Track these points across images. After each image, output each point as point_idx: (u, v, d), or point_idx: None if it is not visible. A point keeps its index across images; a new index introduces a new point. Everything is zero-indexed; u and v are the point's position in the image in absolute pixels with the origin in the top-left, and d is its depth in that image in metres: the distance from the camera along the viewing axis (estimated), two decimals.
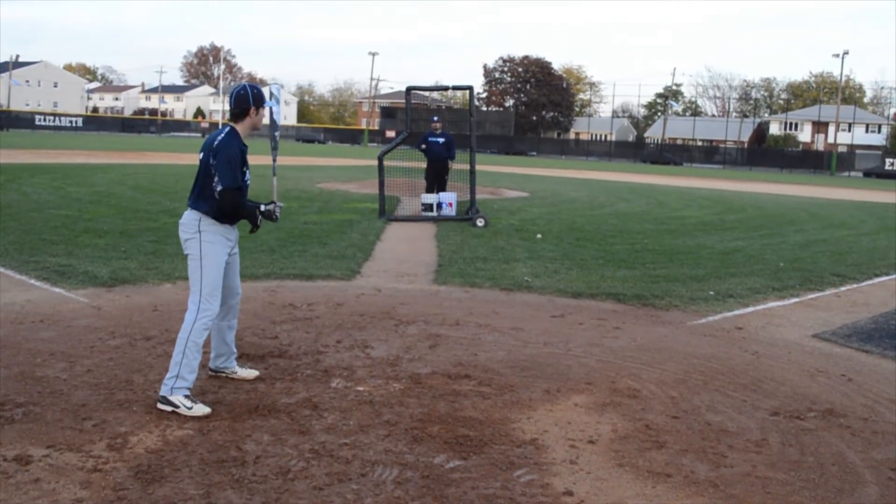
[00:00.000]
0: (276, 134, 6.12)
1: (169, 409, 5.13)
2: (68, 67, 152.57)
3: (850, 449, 5.07)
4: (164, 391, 5.21)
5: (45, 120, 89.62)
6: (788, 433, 5.29)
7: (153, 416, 5.08)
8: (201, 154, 5.44)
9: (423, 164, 18.57)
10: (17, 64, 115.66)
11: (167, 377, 5.24)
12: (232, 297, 5.77)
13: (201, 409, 5.14)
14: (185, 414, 5.08)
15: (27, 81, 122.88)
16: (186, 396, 5.18)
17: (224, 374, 5.92)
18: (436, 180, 18.15)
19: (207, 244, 5.40)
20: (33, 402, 5.20)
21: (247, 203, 5.54)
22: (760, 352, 7.41)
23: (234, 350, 5.97)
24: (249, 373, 5.98)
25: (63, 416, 5.00)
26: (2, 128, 78.44)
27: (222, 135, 5.41)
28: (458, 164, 18.18)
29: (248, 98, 5.42)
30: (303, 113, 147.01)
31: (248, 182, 5.58)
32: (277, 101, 5.87)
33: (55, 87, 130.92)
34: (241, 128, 5.49)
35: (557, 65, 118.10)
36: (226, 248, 5.49)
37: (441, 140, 17.92)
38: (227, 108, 5.60)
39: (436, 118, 18.37)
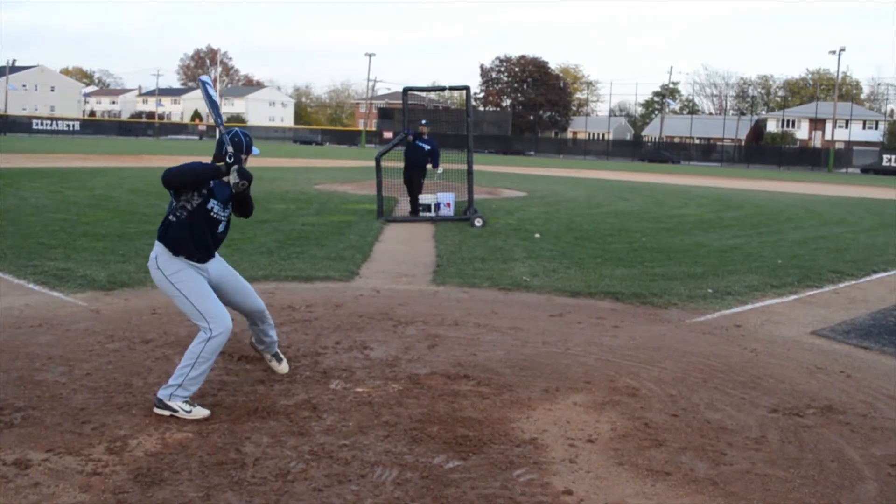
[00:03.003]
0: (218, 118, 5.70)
1: (167, 413, 5.12)
2: (65, 71, 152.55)
3: (849, 445, 5.07)
4: (161, 394, 5.19)
5: (42, 124, 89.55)
6: (787, 430, 5.30)
7: (152, 419, 5.08)
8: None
9: None
10: (13, 68, 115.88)
11: (170, 383, 5.20)
12: (257, 314, 5.80)
13: (200, 412, 5.14)
14: (184, 417, 5.08)
15: (24, 86, 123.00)
16: (185, 401, 5.18)
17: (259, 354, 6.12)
18: (412, 184, 17.66)
19: (174, 274, 5.26)
20: (32, 407, 5.20)
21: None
22: (759, 349, 7.41)
23: (276, 339, 6.08)
24: (282, 367, 6.16)
25: (62, 419, 4.99)
26: (1, 132, 78.40)
27: None
28: (456, 165, 18.13)
29: (241, 145, 5.32)
30: (300, 115, 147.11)
31: (227, 216, 5.46)
32: (209, 85, 5.71)
33: (52, 91, 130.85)
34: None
35: (554, 64, 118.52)
36: (194, 269, 5.33)
37: (427, 147, 17.28)
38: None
39: (424, 121, 17.83)
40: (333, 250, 12.24)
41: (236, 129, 5.43)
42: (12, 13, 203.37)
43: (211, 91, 5.63)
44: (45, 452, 4.48)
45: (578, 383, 6.15)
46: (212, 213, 5.31)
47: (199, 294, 5.28)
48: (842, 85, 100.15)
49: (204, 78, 5.79)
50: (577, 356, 6.92)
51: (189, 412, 5.10)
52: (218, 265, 5.57)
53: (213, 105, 5.58)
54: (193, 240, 5.26)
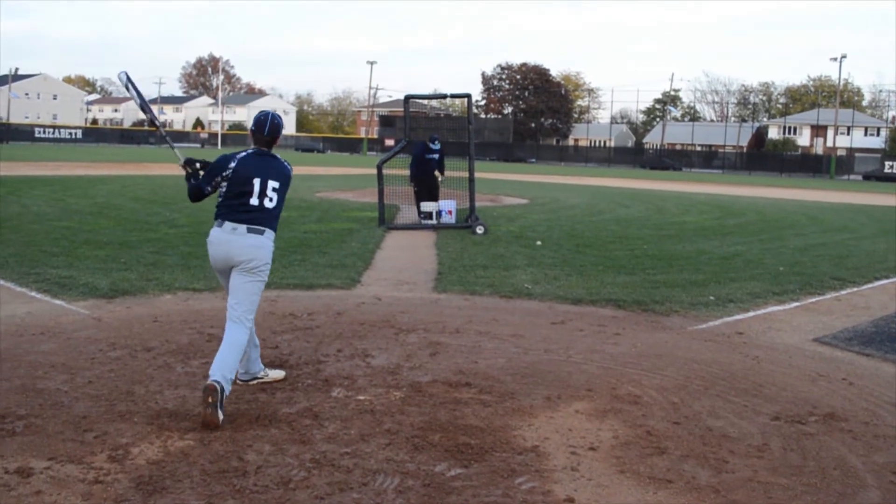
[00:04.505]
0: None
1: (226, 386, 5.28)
2: (67, 80, 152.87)
3: (851, 453, 5.07)
4: (226, 385, 5.26)
5: (44, 132, 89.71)
6: (790, 438, 5.29)
7: (154, 426, 5.08)
8: (274, 181, 5.69)
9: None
10: (16, 77, 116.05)
11: (229, 371, 5.33)
12: None
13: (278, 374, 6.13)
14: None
15: (27, 94, 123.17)
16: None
17: (257, 380, 6.10)
18: (427, 193, 18.01)
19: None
20: (34, 415, 5.20)
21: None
22: (761, 356, 7.41)
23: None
24: (277, 373, 6.23)
25: (64, 428, 4.99)
26: (2, 140, 78.55)
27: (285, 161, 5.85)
28: (458, 172, 18.16)
29: (281, 127, 5.77)
30: (302, 122, 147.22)
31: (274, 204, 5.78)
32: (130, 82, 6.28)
33: (54, 99, 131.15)
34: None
35: (555, 71, 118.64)
36: None
37: (436, 157, 17.91)
38: (254, 129, 5.76)
39: (436, 137, 18.01)
40: (335, 258, 12.24)
41: (273, 112, 5.87)
42: (15, 22, 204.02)
43: (134, 85, 6.25)
44: (48, 460, 4.48)
45: (580, 391, 6.15)
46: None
47: None
48: (843, 92, 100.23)
49: (123, 74, 6.35)
50: (579, 364, 6.92)
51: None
52: None
53: (141, 98, 6.25)
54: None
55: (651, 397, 6.04)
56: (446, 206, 17.52)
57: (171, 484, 4.24)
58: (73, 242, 12.69)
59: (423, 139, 18.61)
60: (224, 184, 5.63)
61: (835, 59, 79.72)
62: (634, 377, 6.56)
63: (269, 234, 5.67)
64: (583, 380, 6.44)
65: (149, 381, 6.01)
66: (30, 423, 5.06)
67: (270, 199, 5.64)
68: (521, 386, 6.22)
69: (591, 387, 6.26)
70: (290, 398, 5.74)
